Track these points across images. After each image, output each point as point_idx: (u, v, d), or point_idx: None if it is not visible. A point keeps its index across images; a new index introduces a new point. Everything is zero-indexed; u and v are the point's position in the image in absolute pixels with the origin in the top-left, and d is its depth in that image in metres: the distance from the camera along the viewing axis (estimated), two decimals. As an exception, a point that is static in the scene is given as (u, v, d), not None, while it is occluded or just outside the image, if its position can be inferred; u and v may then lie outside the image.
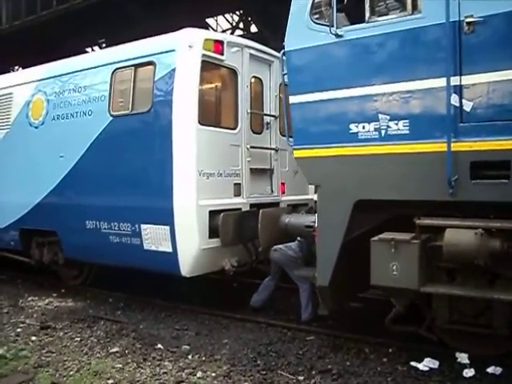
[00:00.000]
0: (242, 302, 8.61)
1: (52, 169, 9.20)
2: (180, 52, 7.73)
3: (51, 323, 7.89)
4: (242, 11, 18.94)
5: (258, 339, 7.03)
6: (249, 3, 16.54)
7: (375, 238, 5.64)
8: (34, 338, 7.22)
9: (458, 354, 6.01)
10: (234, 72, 8.34)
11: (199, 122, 7.59)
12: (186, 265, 7.64)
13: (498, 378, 5.62)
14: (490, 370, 5.71)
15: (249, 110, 8.48)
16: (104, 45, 21.62)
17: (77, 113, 8.91)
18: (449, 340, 6.17)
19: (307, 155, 6.28)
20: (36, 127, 9.60)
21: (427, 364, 5.94)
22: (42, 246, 9.91)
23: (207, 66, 7.82)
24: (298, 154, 6.40)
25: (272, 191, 8.95)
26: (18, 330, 7.65)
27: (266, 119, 8.99)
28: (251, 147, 8.44)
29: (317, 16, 6.23)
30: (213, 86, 8.39)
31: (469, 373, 5.70)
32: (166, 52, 7.89)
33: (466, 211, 5.46)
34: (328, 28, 5.94)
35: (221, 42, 7.96)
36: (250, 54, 8.54)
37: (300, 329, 7.34)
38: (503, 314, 5.62)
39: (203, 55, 7.67)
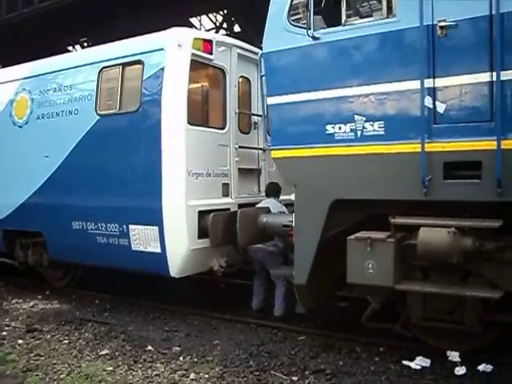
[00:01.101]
0: (230, 302, 8.61)
1: (36, 169, 9.04)
2: (169, 51, 7.65)
3: (37, 326, 7.78)
4: (225, 11, 18.90)
5: (249, 340, 7.01)
6: (233, 2, 16.52)
7: (351, 237, 5.73)
8: (20, 342, 7.10)
9: (449, 353, 6.05)
10: (222, 71, 8.29)
11: (188, 121, 7.52)
12: (175, 265, 7.57)
13: (489, 375, 5.68)
14: (480, 367, 5.77)
15: (237, 110, 8.44)
16: (85, 44, 21.34)
17: (62, 112, 8.77)
18: (423, 336, 6.30)
19: (284, 155, 6.37)
20: (20, 126, 9.43)
21: (419, 363, 5.99)
22: (27, 248, 9.74)
23: (196, 65, 7.76)
24: (275, 154, 6.50)
25: (260, 191, 8.90)
26: (3, 333, 7.52)
27: (254, 119, 8.95)
28: (239, 147, 8.40)
29: (294, 18, 6.33)
30: (201, 85, 8.31)
31: (460, 371, 5.75)
32: (155, 51, 7.81)
33: (439, 210, 5.57)
34: (305, 30, 6.03)
35: (210, 42, 7.90)
36: (238, 54, 8.50)
37: (291, 329, 7.32)
38: (475, 311, 5.77)
39: (192, 54, 7.60)
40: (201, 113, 8.18)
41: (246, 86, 8.92)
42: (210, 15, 19.57)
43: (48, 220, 8.99)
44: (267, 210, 7.74)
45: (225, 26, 19.32)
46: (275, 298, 8.03)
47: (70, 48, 20.97)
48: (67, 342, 7.10)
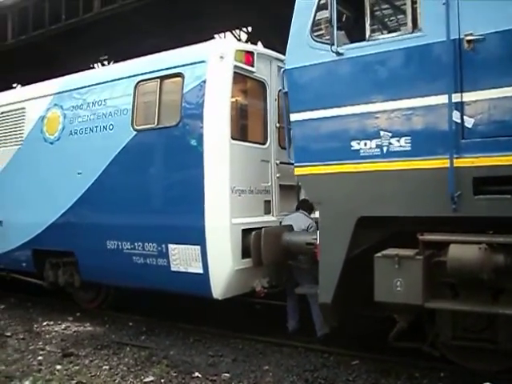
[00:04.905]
0: (268, 324, 8.25)
1: (69, 186, 8.76)
2: (211, 63, 7.38)
3: (73, 350, 7.47)
4: (249, 28, 18.78)
5: (300, 365, 6.67)
6: (258, 18, 16.43)
7: (379, 254, 5.62)
8: (58, 367, 6.79)
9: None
10: (262, 85, 8.04)
11: (231, 136, 7.25)
12: (218, 287, 7.24)
13: None
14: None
15: (277, 124, 8.16)
16: (106, 62, 21.24)
17: (96, 127, 8.51)
18: (452, 356, 6.06)
19: (308, 172, 6.29)
20: (51, 143, 9.17)
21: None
22: (57, 268, 9.41)
23: (238, 77, 7.51)
24: (299, 171, 6.42)
25: (299, 209, 8.58)
26: (39, 357, 7.23)
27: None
28: (280, 163, 8.11)
29: (317, 34, 6.30)
30: (243, 98, 8.05)
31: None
32: (196, 63, 7.54)
33: (468, 227, 5.42)
34: (328, 46, 5.98)
35: (251, 53, 7.66)
36: (278, 66, 8.23)
37: (342, 353, 6.96)
38: (507, 329, 5.57)
39: (235, 66, 7.35)
40: (243, 127, 7.93)
41: (283, 99, 8.64)
42: (233, 31, 19.48)
43: (80, 239, 8.68)
44: (291, 228, 7.54)
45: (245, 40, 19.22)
46: (314, 318, 7.65)
47: (95, 65, 20.89)
48: (107, 367, 6.78)
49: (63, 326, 8.87)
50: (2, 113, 10.21)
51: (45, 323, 9.02)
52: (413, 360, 6.46)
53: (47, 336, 8.28)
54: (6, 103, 10.29)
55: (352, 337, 7.29)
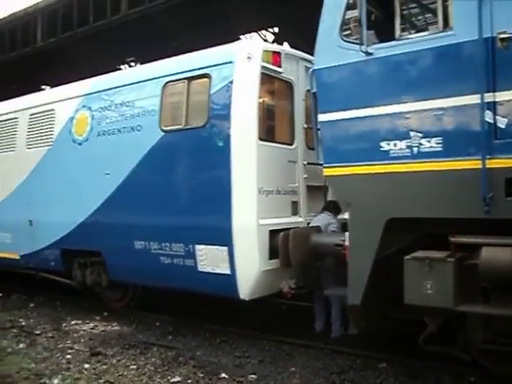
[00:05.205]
0: (295, 325, 8.19)
1: (97, 186, 8.84)
2: (238, 64, 7.38)
3: (101, 349, 7.53)
4: (275, 28, 18.78)
5: (327, 367, 6.62)
6: (286, 18, 16.40)
7: (409, 257, 5.53)
8: (87, 366, 6.85)
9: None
10: (289, 85, 8.00)
11: (259, 137, 7.23)
12: (246, 287, 7.23)
13: None
14: None
15: (305, 125, 8.11)
16: (133, 63, 21.44)
17: (124, 128, 8.57)
18: (484, 360, 5.94)
19: (337, 173, 6.21)
20: (80, 144, 9.27)
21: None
22: (85, 267, 9.51)
23: (265, 78, 7.49)
24: (327, 172, 6.34)
25: (326, 210, 8.52)
26: (68, 356, 7.30)
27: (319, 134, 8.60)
28: (308, 163, 8.06)
29: (345, 33, 6.27)
30: (270, 99, 8.02)
31: None
32: (223, 64, 7.54)
33: (501, 229, 5.26)
34: (358, 46, 5.91)
35: (278, 54, 7.64)
36: (305, 67, 8.18)
37: (369, 356, 6.88)
38: None
39: (262, 67, 7.33)
40: (270, 128, 7.89)
41: (311, 100, 8.59)
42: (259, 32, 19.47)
43: (108, 239, 8.75)
44: (318, 229, 7.49)
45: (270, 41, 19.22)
46: (332, 319, 7.71)
47: (122, 67, 21.10)
48: (135, 367, 6.82)
49: (91, 325, 8.95)
50: (33, 114, 10.34)
51: (73, 322, 9.12)
52: (441, 364, 6.35)
53: (75, 335, 8.36)
54: (36, 105, 10.44)
55: (380, 339, 7.20)
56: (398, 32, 5.84)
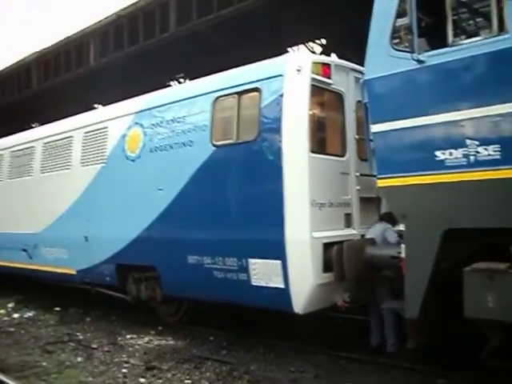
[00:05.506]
0: (350, 339, 8.04)
1: (150, 202, 8.96)
2: (288, 77, 7.38)
3: (156, 363, 7.57)
4: (322, 40, 18.78)
5: (383, 382, 6.49)
6: (336, 30, 16.41)
7: (468, 268, 5.38)
8: (142, 380, 6.91)
9: None
10: (340, 96, 7.94)
11: (310, 149, 7.18)
12: (300, 301, 7.16)
13: None
14: None
15: (356, 136, 8.02)
16: (182, 80, 21.81)
17: (176, 144, 8.68)
18: None
19: (392, 184, 6.12)
20: (132, 160, 9.43)
21: None
22: (139, 282, 9.63)
23: (315, 90, 7.45)
24: (382, 183, 6.27)
25: (380, 222, 8.37)
26: (124, 370, 7.37)
27: (372, 145, 8.48)
28: (360, 175, 7.95)
29: (395, 42, 6.14)
30: (321, 111, 7.96)
31: None
32: (273, 77, 7.55)
33: None
34: (409, 54, 5.83)
35: (328, 65, 7.60)
36: (355, 77, 8.11)
37: (427, 371, 6.68)
38: None
39: (312, 79, 7.30)
40: (322, 140, 7.82)
41: (363, 110, 8.50)
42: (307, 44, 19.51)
43: (162, 254, 8.84)
44: (373, 241, 7.36)
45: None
46: (385, 333, 7.53)
47: (171, 83, 21.52)
48: (190, 381, 6.83)
49: (146, 339, 9.02)
50: (87, 132, 10.60)
51: (128, 336, 9.22)
52: (504, 380, 6.09)
53: (130, 349, 8.45)
54: (90, 123, 10.70)
55: (439, 353, 6.98)
56: (450, 38, 5.74)
